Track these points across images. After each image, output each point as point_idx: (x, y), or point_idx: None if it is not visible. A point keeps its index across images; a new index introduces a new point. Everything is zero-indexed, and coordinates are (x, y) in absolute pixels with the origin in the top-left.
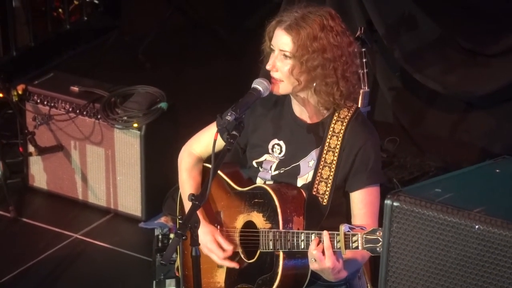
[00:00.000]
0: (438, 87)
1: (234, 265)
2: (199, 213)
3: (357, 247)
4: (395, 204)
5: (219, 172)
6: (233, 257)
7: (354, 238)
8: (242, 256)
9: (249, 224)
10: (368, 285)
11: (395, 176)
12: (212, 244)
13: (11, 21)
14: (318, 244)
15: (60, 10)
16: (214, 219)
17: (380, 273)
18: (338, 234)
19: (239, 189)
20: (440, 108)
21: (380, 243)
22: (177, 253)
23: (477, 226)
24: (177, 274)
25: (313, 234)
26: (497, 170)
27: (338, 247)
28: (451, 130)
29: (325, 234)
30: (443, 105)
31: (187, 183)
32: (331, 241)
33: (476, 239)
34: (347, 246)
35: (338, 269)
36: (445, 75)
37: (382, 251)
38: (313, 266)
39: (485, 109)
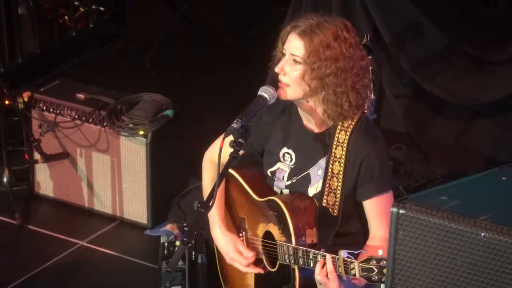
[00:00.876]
0: (444, 95)
1: (258, 270)
2: (221, 221)
3: (355, 274)
4: (401, 211)
5: (239, 178)
6: (258, 263)
7: (352, 266)
8: (266, 263)
9: (269, 234)
10: None
11: (401, 183)
12: (235, 254)
13: (17, 28)
14: (322, 267)
15: (66, 17)
16: (238, 225)
17: (386, 281)
18: (338, 259)
19: (257, 198)
20: (446, 116)
21: (375, 272)
22: (183, 261)
23: (483, 234)
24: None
25: (319, 255)
26: (503, 178)
27: (339, 271)
28: (457, 138)
29: (328, 258)
30: (449, 113)
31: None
32: (334, 264)
33: (482, 246)
34: (347, 272)
35: None
36: (451, 83)
37: (387, 258)
38: None
39: (491, 117)
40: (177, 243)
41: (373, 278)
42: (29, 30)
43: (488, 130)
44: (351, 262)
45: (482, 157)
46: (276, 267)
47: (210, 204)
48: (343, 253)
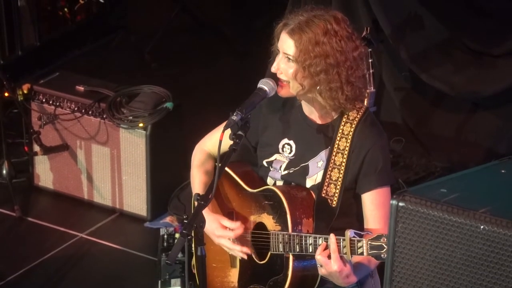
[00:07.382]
0: (444, 88)
1: (245, 249)
2: (207, 208)
3: (362, 253)
4: (400, 204)
5: (231, 172)
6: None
7: (359, 244)
8: (253, 256)
9: (260, 226)
10: None
11: (401, 176)
12: (220, 230)
13: (17, 20)
14: (324, 249)
15: (65, 9)
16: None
17: (385, 273)
18: (344, 240)
19: (250, 190)
20: (446, 109)
21: (385, 249)
22: (182, 253)
23: (482, 227)
24: (193, 272)
25: (321, 238)
26: (503, 171)
27: (344, 252)
28: (457, 130)
29: (332, 237)
30: (449, 105)
31: (196, 178)
32: (338, 245)
33: (481, 239)
34: (352, 252)
35: (346, 273)
36: (451, 76)
37: (387, 251)
38: (321, 271)
39: (491, 110)
40: (177, 235)
41: (382, 255)
42: (29, 22)
43: (488, 122)
44: (359, 241)
45: (481, 150)
46: (266, 259)
47: (210, 197)
48: (350, 233)
